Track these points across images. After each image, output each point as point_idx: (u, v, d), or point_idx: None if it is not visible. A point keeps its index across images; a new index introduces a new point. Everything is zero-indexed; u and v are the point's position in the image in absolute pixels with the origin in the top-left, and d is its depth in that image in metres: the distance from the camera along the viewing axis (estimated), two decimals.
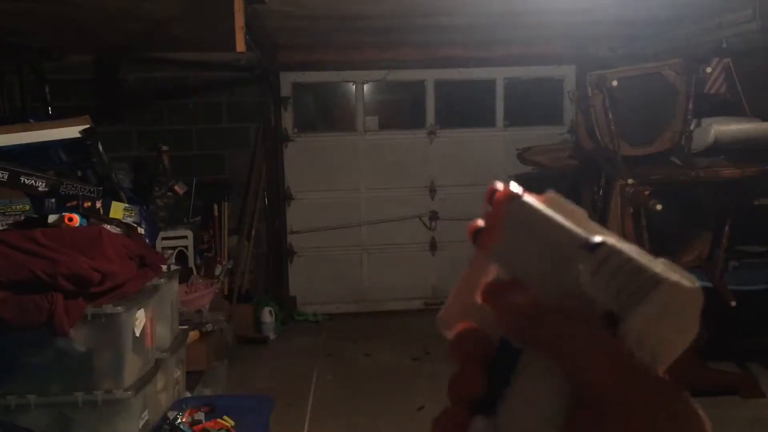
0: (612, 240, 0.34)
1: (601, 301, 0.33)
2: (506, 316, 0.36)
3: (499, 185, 0.39)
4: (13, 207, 2.80)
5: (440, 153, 5.74)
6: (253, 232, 5.37)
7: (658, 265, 0.33)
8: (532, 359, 0.34)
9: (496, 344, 0.37)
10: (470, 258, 0.41)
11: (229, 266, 5.07)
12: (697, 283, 0.33)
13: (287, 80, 5.58)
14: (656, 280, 0.32)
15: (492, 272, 0.39)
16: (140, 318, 2.60)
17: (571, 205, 0.39)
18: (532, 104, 5.84)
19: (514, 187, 0.39)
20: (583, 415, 0.32)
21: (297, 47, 5.30)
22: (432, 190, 5.78)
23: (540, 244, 0.37)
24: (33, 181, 2.89)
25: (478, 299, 0.40)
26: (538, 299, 0.35)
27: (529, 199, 0.39)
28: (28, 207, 2.82)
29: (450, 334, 0.41)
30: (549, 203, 0.39)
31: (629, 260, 0.33)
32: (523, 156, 4.95)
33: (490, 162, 5.75)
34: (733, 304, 3.43)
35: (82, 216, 2.73)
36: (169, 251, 4.43)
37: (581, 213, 0.39)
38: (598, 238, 0.35)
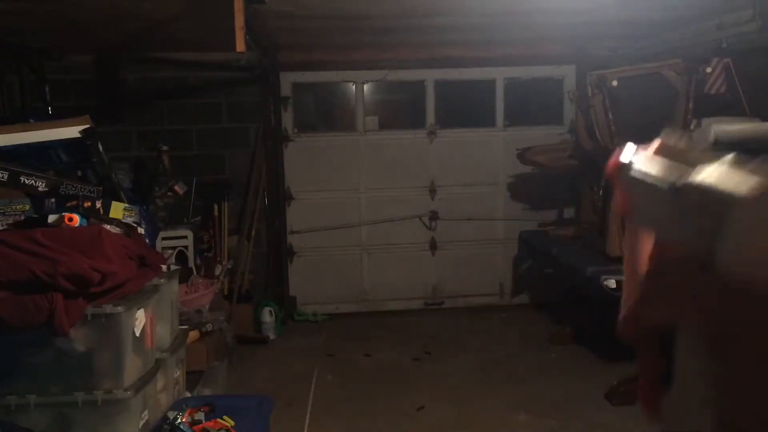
0: (702, 173, 0.32)
1: (695, 239, 0.32)
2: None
3: (613, 158, 0.40)
4: (13, 207, 2.80)
5: (440, 153, 5.74)
6: (253, 232, 5.37)
7: (742, 174, 0.30)
8: (680, 335, 0.34)
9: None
10: (626, 230, 0.42)
11: (229, 266, 5.07)
12: None
13: (287, 80, 5.58)
14: (727, 200, 0.30)
15: (648, 240, 0.39)
16: (140, 318, 2.60)
17: (680, 144, 0.37)
18: (532, 104, 5.84)
19: (624, 155, 0.40)
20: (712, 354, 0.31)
21: (297, 47, 5.30)
22: (432, 190, 5.78)
23: (653, 200, 0.36)
24: (33, 181, 2.89)
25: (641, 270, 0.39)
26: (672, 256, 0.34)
27: (638, 160, 0.39)
28: (28, 207, 2.82)
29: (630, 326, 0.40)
30: (660, 151, 0.38)
31: (706, 190, 0.31)
32: (523, 156, 4.96)
33: (490, 162, 5.75)
34: None
35: (82, 216, 2.73)
36: (169, 251, 4.43)
37: (686, 147, 0.37)
38: (680, 180, 0.33)
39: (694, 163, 0.34)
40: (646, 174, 0.37)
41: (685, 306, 0.33)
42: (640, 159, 0.39)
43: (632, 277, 0.40)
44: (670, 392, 0.35)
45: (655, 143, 0.38)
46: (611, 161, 0.41)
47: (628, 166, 0.39)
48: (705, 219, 0.31)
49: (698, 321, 0.32)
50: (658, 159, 0.37)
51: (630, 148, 0.40)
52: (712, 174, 0.32)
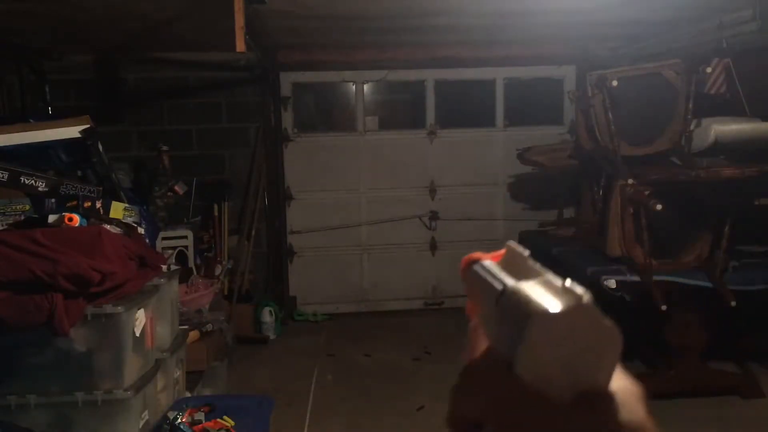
0: (522, 283, 0.36)
1: (504, 347, 0.35)
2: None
3: (469, 255, 0.44)
4: (13, 207, 2.80)
5: (440, 153, 5.74)
6: (253, 232, 5.37)
7: (551, 293, 0.34)
8: None
9: None
10: (468, 331, 0.45)
11: (229, 266, 5.07)
12: (585, 298, 0.34)
13: (287, 80, 5.58)
14: (528, 315, 0.34)
15: (484, 338, 0.41)
16: (140, 318, 2.60)
17: (518, 250, 0.42)
18: (532, 104, 5.84)
19: (475, 255, 0.44)
20: None
21: (297, 47, 5.30)
22: (432, 190, 5.78)
23: (485, 303, 0.40)
24: (33, 181, 2.89)
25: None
26: (465, 360, 0.39)
27: (483, 262, 0.42)
28: (28, 207, 2.82)
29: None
30: (505, 256, 0.42)
31: (519, 300, 0.35)
32: (523, 156, 4.95)
33: (490, 162, 5.76)
34: (733, 304, 3.43)
35: (82, 216, 2.73)
36: (169, 251, 4.43)
37: (524, 256, 0.41)
38: (502, 286, 0.37)
39: (522, 275, 0.38)
40: (486, 273, 0.40)
41: (489, 405, 0.37)
42: (487, 260, 0.42)
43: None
44: None
45: (502, 250, 0.42)
46: (466, 257, 0.44)
47: (475, 263, 0.43)
48: (511, 327, 0.35)
49: (498, 418, 0.36)
50: (500, 264, 0.41)
51: (480, 254, 0.44)
52: (528, 287, 0.36)
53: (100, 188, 3.06)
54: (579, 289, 0.35)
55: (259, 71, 5.33)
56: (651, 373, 3.83)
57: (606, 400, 0.34)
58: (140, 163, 5.07)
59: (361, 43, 5.21)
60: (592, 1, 3.73)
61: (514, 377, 0.34)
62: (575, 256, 4.15)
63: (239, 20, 3.01)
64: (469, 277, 0.43)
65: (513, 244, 0.42)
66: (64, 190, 2.94)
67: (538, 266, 0.39)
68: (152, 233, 3.47)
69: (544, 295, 0.35)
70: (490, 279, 0.39)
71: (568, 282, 0.35)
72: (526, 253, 0.41)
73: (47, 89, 4.99)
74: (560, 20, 4.33)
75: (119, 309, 2.45)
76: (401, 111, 6.07)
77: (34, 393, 2.42)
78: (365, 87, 5.71)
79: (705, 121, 3.76)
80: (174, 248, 4.51)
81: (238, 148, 5.44)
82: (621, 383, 0.36)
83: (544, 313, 0.33)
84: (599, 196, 4.30)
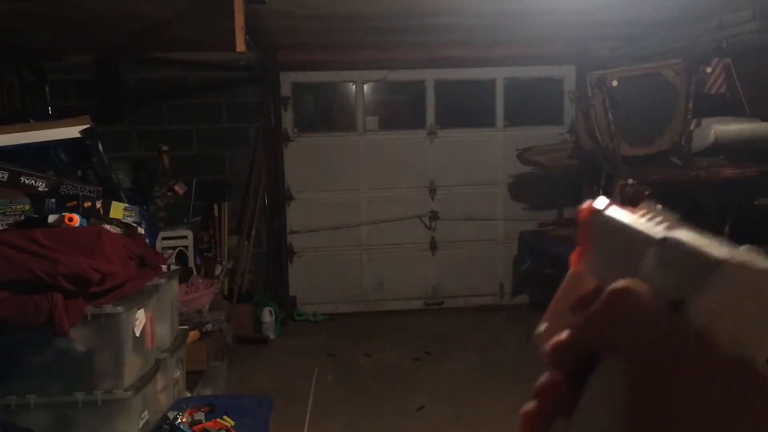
0: (683, 233, 0.34)
1: (665, 286, 0.33)
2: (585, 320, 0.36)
3: (584, 205, 0.41)
4: (13, 207, 2.80)
5: (440, 153, 5.74)
6: (253, 232, 5.37)
7: (727, 249, 0.32)
8: (607, 363, 0.34)
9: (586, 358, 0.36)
10: (565, 279, 0.42)
11: (229, 266, 5.07)
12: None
13: (287, 80, 5.58)
14: (719, 261, 0.31)
15: (588, 285, 0.39)
16: (140, 318, 2.60)
17: (655, 208, 0.39)
18: (532, 104, 5.84)
19: (598, 203, 0.41)
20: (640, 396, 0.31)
21: (297, 47, 5.30)
22: (432, 190, 5.78)
23: (616, 248, 0.37)
24: (33, 181, 2.89)
25: (570, 311, 0.40)
26: (611, 286, 0.35)
27: (612, 210, 0.40)
28: (28, 207, 2.82)
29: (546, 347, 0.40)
30: (638, 212, 0.39)
31: (694, 247, 0.33)
32: (523, 156, 4.96)
33: (490, 162, 5.76)
34: None
35: (82, 216, 2.73)
36: (169, 251, 4.43)
37: (658, 209, 0.38)
38: (668, 233, 0.34)
39: (668, 226, 0.36)
40: (625, 223, 0.38)
41: (634, 337, 0.33)
42: (614, 209, 0.40)
43: (562, 313, 0.41)
44: (563, 422, 0.35)
45: (641, 205, 0.39)
46: (585, 206, 0.41)
47: (601, 213, 0.40)
48: (689, 269, 0.32)
49: (633, 357, 0.33)
50: (634, 215, 0.38)
51: (603, 199, 0.41)
52: (691, 236, 0.34)
53: (100, 188, 3.06)
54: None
55: (259, 71, 5.33)
56: None
57: (757, 378, 0.30)
58: (140, 163, 5.07)
59: (361, 43, 5.21)
60: (592, 1, 3.73)
61: (676, 317, 0.31)
62: None
63: (239, 20, 3.01)
64: (594, 223, 0.40)
65: (648, 204, 0.39)
66: (64, 190, 2.94)
67: (680, 223, 0.36)
68: (152, 233, 3.47)
69: (727, 247, 0.32)
70: (636, 225, 0.36)
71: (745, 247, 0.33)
72: (659, 208, 0.38)
73: (47, 89, 4.99)
74: (560, 20, 4.33)
75: (119, 309, 2.45)
76: (401, 111, 6.07)
77: (34, 393, 2.42)
78: (365, 87, 5.71)
79: (705, 121, 3.76)
80: (174, 248, 4.51)
81: (238, 148, 5.44)
82: None
83: (739, 264, 0.31)
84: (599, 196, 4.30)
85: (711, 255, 0.32)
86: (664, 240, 0.34)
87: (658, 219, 0.37)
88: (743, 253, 0.31)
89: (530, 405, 0.38)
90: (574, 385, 0.36)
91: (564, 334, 0.37)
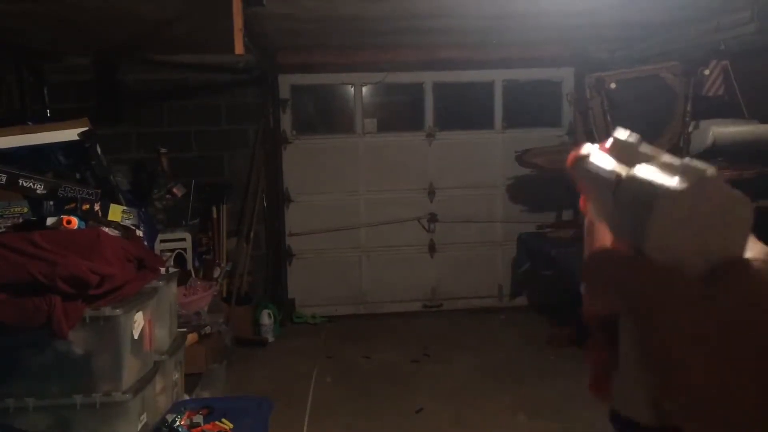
0: (637, 167, 0.36)
1: (629, 234, 0.35)
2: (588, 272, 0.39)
3: (573, 152, 0.43)
4: (12, 209, 2.80)
5: (439, 155, 5.74)
6: (252, 234, 5.37)
7: (670, 173, 0.34)
8: (621, 321, 0.36)
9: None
10: (585, 227, 0.43)
11: (228, 268, 5.06)
12: (709, 172, 0.33)
13: (286, 82, 5.58)
14: (650, 198, 0.33)
15: (603, 231, 0.40)
16: (139, 320, 2.60)
17: (627, 139, 0.40)
18: (531, 106, 5.84)
19: (585, 148, 0.42)
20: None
21: (296, 49, 5.30)
22: (431, 192, 5.78)
23: (601, 195, 0.39)
24: (31, 184, 2.88)
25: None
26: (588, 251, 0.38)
27: (594, 154, 0.41)
28: (26, 209, 2.82)
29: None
30: (611, 146, 0.40)
31: (639, 185, 0.35)
32: (521, 158, 4.96)
33: (488, 164, 5.76)
34: None
35: (81, 218, 2.73)
36: (168, 253, 4.43)
37: (632, 142, 0.40)
38: (618, 173, 0.37)
39: (635, 161, 0.37)
40: (597, 167, 0.39)
41: (621, 292, 0.35)
42: (595, 154, 0.41)
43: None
44: (615, 378, 0.37)
45: (609, 141, 0.41)
46: (571, 154, 0.42)
47: (584, 159, 0.41)
48: (634, 213, 0.34)
49: (630, 304, 0.35)
50: (609, 155, 0.40)
51: (589, 146, 0.42)
52: (644, 170, 0.35)
53: (99, 190, 3.06)
54: (701, 164, 0.34)
55: (258, 73, 5.34)
56: None
57: (740, 266, 0.33)
58: (139, 165, 5.07)
59: (359, 45, 5.22)
60: (590, 3, 3.73)
61: (643, 261, 0.34)
62: (574, 258, 4.16)
63: (238, 22, 3.01)
64: (577, 174, 0.41)
65: (620, 133, 0.41)
66: (63, 192, 2.94)
67: (650, 149, 0.38)
68: (151, 235, 3.47)
69: (664, 175, 0.34)
70: (602, 172, 0.38)
71: (687, 159, 0.35)
72: (635, 138, 0.40)
73: (46, 91, 4.99)
74: (558, 22, 4.34)
75: (118, 311, 2.45)
76: (400, 113, 6.08)
77: (32, 396, 2.42)
78: (364, 89, 5.71)
79: (703, 123, 3.77)
80: (173, 250, 4.51)
81: (237, 150, 5.44)
82: (757, 249, 0.35)
83: (668, 192, 0.33)
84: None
85: (647, 192, 0.34)
86: (617, 184, 0.36)
87: (622, 152, 0.39)
88: (672, 180, 0.33)
89: (589, 375, 0.40)
90: (614, 339, 0.37)
91: (584, 302, 0.39)
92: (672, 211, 0.33)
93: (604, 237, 0.40)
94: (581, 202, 0.42)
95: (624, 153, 0.39)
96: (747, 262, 0.34)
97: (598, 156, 0.40)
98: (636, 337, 0.34)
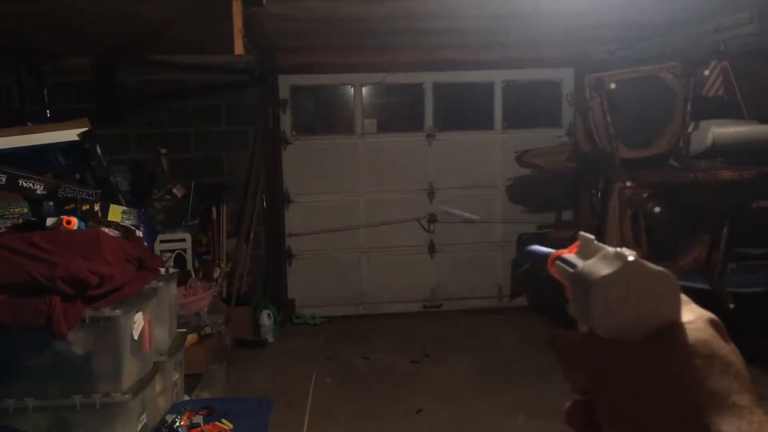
0: (587, 262, 0.43)
1: (583, 320, 0.42)
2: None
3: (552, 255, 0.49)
4: (12, 210, 2.80)
5: (439, 155, 5.74)
6: (252, 235, 5.37)
7: (605, 262, 0.41)
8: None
9: None
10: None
11: (228, 269, 5.06)
12: (630, 257, 0.40)
13: (286, 83, 5.58)
14: (588, 286, 0.40)
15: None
16: (138, 321, 2.60)
17: (587, 237, 0.48)
18: (531, 107, 5.84)
19: (558, 252, 0.49)
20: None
21: (295, 50, 5.30)
22: (431, 193, 5.78)
23: (570, 287, 0.45)
24: (31, 184, 2.88)
25: None
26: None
27: (563, 255, 0.48)
28: (26, 210, 2.82)
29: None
30: (578, 245, 0.48)
31: (582, 275, 0.42)
32: (521, 158, 4.96)
33: (488, 164, 5.76)
34: (732, 306, 3.44)
35: (81, 219, 2.73)
36: (168, 254, 4.43)
37: (590, 239, 0.47)
38: (573, 267, 0.44)
39: (590, 256, 0.44)
40: (563, 263, 0.47)
41: (582, 366, 0.42)
42: (566, 254, 0.48)
43: None
44: None
45: (579, 237, 0.48)
46: (552, 256, 0.50)
47: (558, 259, 0.48)
48: (583, 299, 0.41)
49: (589, 374, 0.42)
50: (577, 253, 0.47)
51: (561, 251, 0.50)
52: (590, 263, 0.43)
53: (99, 191, 3.06)
54: (627, 251, 0.41)
55: (257, 74, 5.33)
56: None
57: (675, 329, 0.39)
58: (139, 165, 5.06)
59: (359, 45, 5.22)
60: (590, 3, 3.73)
61: (593, 337, 0.41)
62: None
63: (237, 23, 3.01)
64: (555, 272, 0.49)
65: (583, 233, 0.48)
66: (63, 193, 2.94)
67: (600, 245, 0.45)
68: (150, 236, 3.47)
69: (601, 264, 0.41)
70: (566, 267, 0.46)
71: (618, 249, 0.41)
72: (591, 236, 0.47)
73: (45, 92, 4.98)
74: (558, 23, 4.34)
75: (117, 312, 2.45)
76: (400, 114, 6.08)
77: (32, 396, 2.42)
78: (364, 90, 5.71)
79: (703, 124, 3.76)
80: (172, 251, 4.51)
81: (236, 150, 5.44)
82: (692, 314, 0.41)
83: (598, 279, 0.40)
84: (597, 199, 4.31)
85: (585, 284, 0.41)
86: (573, 276, 0.43)
87: (584, 249, 0.46)
88: (603, 268, 0.41)
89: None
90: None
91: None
92: (604, 294, 0.39)
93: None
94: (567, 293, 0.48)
95: (585, 250, 0.46)
96: (682, 325, 0.40)
97: (568, 255, 0.48)
98: (596, 399, 0.41)
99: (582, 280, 0.41)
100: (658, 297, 0.40)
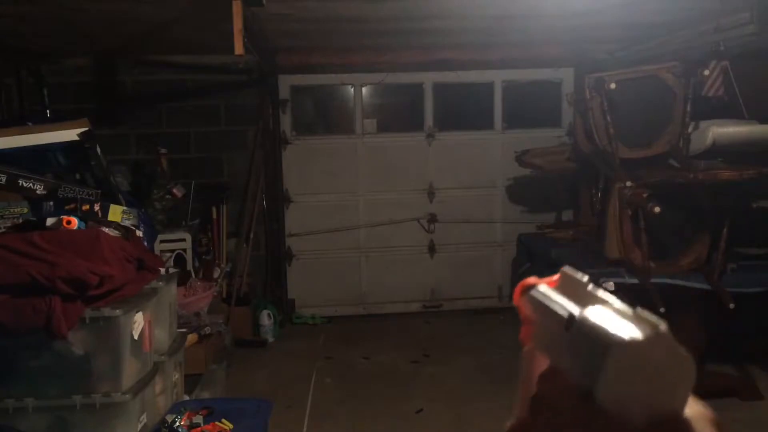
0: (590, 309, 0.37)
1: (578, 376, 0.36)
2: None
3: (522, 282, 0.44)
4: (12, 210, 2.80)
5: (439, 156, 5.74)
6: (252, 235, 5.37)
7: (621, 322, 0.35)
8: None
9: None
10: (521, 358, 0.44)
11: (228, 269, 5.06)
12: (662, 327, 0.35)
13: (286, 83, 5.58)
14: (608, 345, 0.34)
15: (543, 362, 0.42)
16: (138, 321, 2.60)
17: (576, 277, 0.42)
18: (531, 107, 5.84)
19: (530, 280, 0.43)
20: None
21: (295, 50, 5.30)
22: (430, 193, 5.78)
23: (549, 329, 0.40)
24: (31, 184, 2.88)
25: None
26: (564, 382, 0.38)
27: (539, 287, 0.42)
28: (26, 210, 2.82)
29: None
30: (560, 282, 0.42)
31: (592, 329, 0.36)
32: (521, 159, 4.96)
33: (488, 165, 5.76)
34: (732, 306, 3.43)
35: (81, 219, 2.73)
36: (168, 254, 4.43)
37: (582, 282, 0.41)
38: (570, 313, 0.38)
39: (584, 301, 0.39)
40: (549, 301, 0.41)
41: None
42: (544, 287, 0.42)
43: (525, 394, 0.44)
44: None
45: (556, 276, 0.42)
46: (520, 283, 0.44)
47: (533, 290, 0.43)
48: (586, 355, 0.36)
49: None
50: (559, 290, 0.41)
51: (535, 278, 0.44)
52: (600, 313, 0.37)
53: (99, 191, 3.06)
54: (652, 317, 0.36)
55: (257, 74, 5.34)
56: None
57: (680, 425, 0.36)
58: (139, 165, 5.07)
59: (359, 46, 5.22)
60: (590, 3, 3.73)
61: (590, 405, 0.35)
62: (574, 259, 4.15)
63: (238, 23, 3.01)
64: (525, 303, 0.43)
65: (569, 269, 0.42)
66: (63, 193, 2.94)
67: (599, 292, 0.39)
68: (150, 236, 3.46)
69: (619, 322, 0.35)
70: (552, 305, 0.40)
71: (639, 309, 0.36)
72: (585, 278, 0.41)
73: (45, 92, 4.98)
74: (558, 23, 4.34)
75: (117, 312, 2.45)
76: (400, 114, 6.08)
77: (32, 396, 2.42)
78: (363, 90, 5.71)
79: (703, 124, 3.76)
80: (172, 251, 4.51)
81: (236, 150, 5.44)
82: (695, 409, 0.37)
83: (625, 342, 0.34)
84: (597, 199, 4.31)
85: (602, 339, 0.35)
86: (570, 321, 0.37)
87: (571, 289, 0.40)
88: (630, 330, 0.35)
89: None
90: None
91: (513, 423, 0.41)
92: (626, 360, 0.34)
93: (538, 368, 0.41)
94: (522, 332, 0.43)
95: (573, 290, 0.40)
96: (685, 420, 0.36)
97: (548, 290, 0.42)
98: None
99: (589, 333, 0.36)
100: (674, 380, 0.36)
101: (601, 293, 0.39)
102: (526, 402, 0.42)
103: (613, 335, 0.35)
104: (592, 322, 0.36)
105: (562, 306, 0.39)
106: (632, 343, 0.34)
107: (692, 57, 4.06)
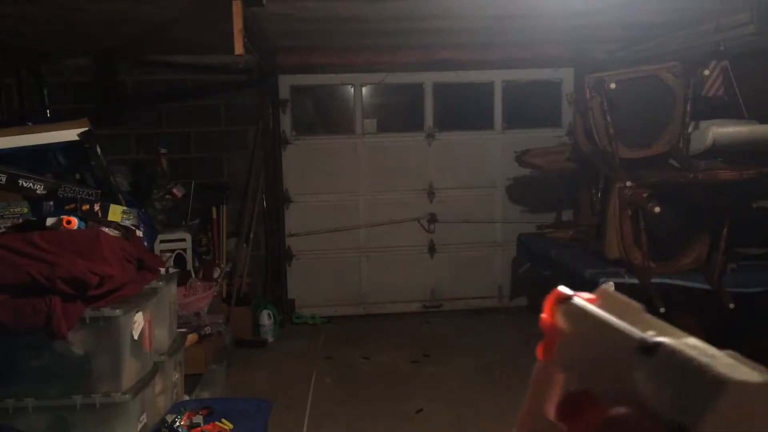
0: (669, 338, 0.34)
1: (664, 407, 0.32)
2: None
3: (554, 291, 0.39)
4: (12, 210, 2.80)
5: (439, 156, 5.74)
6: (252, 235, 5.37)
7: (723, 360, 0.32)
8: None
9: None
10: (534, 372, 0.40)
11: (228, 269, 5.06)
12: None
13: (286, 83, 5.58)
14: (721, 381, 0.31)
15: (558, 382, 0.38)
16: (138, 321, 2.60)
17: (623, 298, 0.38)
18: (531, 107, 5.84)
19: (564, 289, 0.39)
20: None
21: (295, 50, 5.30)
22: (430, 193, 5.78)
23: (598, 348, 0.36)
24: (31, 184, 2.88)
25: (551, 415, 0.38)
26: (607, 413, 0.34)
27: (580, 300, 0.38)
28: (26, 210, 2.82)
29: None
30: (601, 300, 0.38)
31: (690, 360, 0.32)
32: (521, 159, 4.96)
33: (488, 165, 5.76)
34: (732, 306, 3.43)
35: (81, 219, 2.73)
36: (168, 254, 4.42)
37: (636, 306, 0.37)
38: (654, 339, 0.34)
39: (645, 327, 0.35)
40: (602, 315, 0.36)
41: None
42: (582, 299, 0.38)
43: (534, 409, 0.39)
44: None
45: (593, 294, 0.38)
46: (553, 293, 0.38)
47: (569, 300, 0.38)
48: (689, 387, 0.32)
49: None
50: (604, 309, 0.37)
51: (565, 288, 0.39)
52: (695, 347, 0.33)
53: (99, 191, 3.06)
54: (749, 361, 0.33)
55: (257, 74, 5.34)
56: None
57: None
58: (139, 165, 5.07)
59: (359, 46, 5.22)
60: (590, 3, 3.73)
61: None
62: (573, 259, 4.16)
63: (238, 23, 3.01)
64: (560, 315, 0.38)
65: (610, 289, 0.38)
66: (63, 193, 2.94)
67: (659, 322, 0.36)
68: (150, 236, 3.46)
69: (724, 361, 0.32)
70: (617, 325, 0.36)
71: (730, 352, 0.33)
72: (638, 305, 0.37)
73: (45, 92, 4.99)
74: (558, 23, 4.34)
75: (117, 312, 2.45)
76: (399, 114, 6.08)
77: (32, 396, 2.41)
78: (363, 90, 5.71)
79: (703, 124, 3.76)
80: (172, 251, 4.51)
81: (236, 150, 5.44)
82: None
83: (743, 383, 0.31)
84: (597, 199, 4.31)
85: (712, 374, 0.31)
86: (656, 349, 0.33)
87: (632, 315, 0.36)
88: (741, 370, 0.31)
89: None
90: None
91: None
92: (737, 403, 0.31)
93: (554, 387, 0.38)
94: (541, 348, 0.39)
95: (623, 312, 0.37)
96: None
97: (594, 306, 0.38)
98: None
99: (691, 365, 0.32)
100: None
101: (662, 323, 0.36)
102: (537, 417, 0.39)
103: (721, 373, 0.31)
104: (688, 354, 0.33)
105: (628, 328, 0.35)
106: (750, 386, 0.31)
107: (692, 57, 4.06)
